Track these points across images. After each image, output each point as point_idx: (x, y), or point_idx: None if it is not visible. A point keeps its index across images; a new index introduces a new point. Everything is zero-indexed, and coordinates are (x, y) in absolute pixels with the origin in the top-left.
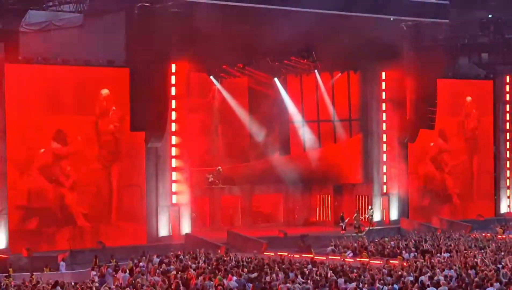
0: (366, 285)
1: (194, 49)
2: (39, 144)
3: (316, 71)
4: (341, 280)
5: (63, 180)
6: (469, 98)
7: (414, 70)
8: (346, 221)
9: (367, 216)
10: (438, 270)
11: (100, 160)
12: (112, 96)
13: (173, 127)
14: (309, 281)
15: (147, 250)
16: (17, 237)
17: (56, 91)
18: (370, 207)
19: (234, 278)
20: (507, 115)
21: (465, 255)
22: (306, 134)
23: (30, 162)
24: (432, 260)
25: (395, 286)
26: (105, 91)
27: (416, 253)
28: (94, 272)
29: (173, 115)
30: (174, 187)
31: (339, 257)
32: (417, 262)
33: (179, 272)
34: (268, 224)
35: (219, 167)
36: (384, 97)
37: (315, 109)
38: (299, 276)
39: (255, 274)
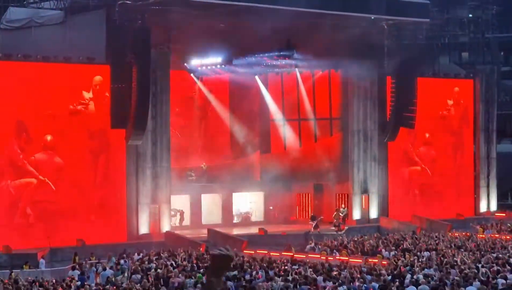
0: (345, 284)
1: (174, 46)
2: (17, 141)
3: (296, 69)
4: (320, 278)
5: (42, 176)
6: (456, 88)
7: (395, 69)
8: (317, 220)
9: (341, 215)
10: (418, 268)
11: (81, 158)
12: (92, 93)
13: (153, 124)
14: (288, 279)
15: (127, 247)
16: None
17: (35, 87)
18: (343, 206)
19: None
20: (487, 114)
21: (445, 254)
22: (287, 133)
23: (8, 158)
24: (412, 259)
25: (374, 284)
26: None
27: (396, 252)
28: (71, 272)
29: (153, 113)
30: (154, 185)
31: (318, 256)
32: (397, 261)
33: (159, 270)
34: (248, 222)
35: (204, 164)
36: (364, 95)
37: (296, 108)
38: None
39: (235, 272)
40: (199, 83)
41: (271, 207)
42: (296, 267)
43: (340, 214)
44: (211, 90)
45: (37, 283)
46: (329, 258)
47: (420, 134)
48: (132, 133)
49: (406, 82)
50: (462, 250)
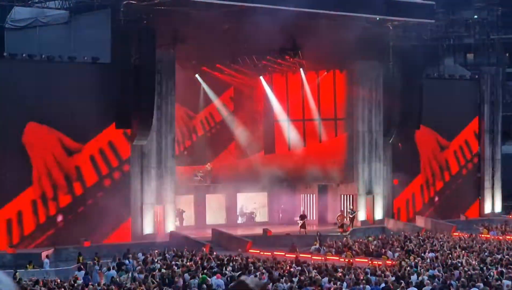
0: (350, 285)
1: (180, 47)
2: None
3: (301, 69)
4: (325, 280)
5: (47, 177)
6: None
7: (400, 70)
8: (304, 220)
9: (350, 216)
10: (422, 270)
11: (84, 158)
12: (97, 94)
13: (158, 125)
14: (293, 280)
15: (131, 248)
16: (1, 234)
17: (41, 87)
18: (351, 207)
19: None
20: (492, 115)
21: (449, 255)
22: (291, 133)
23: None
24: (417, 260)
25: (378, 286)
26: None
27: (400, 253)
28: (77, 272)
29: (158, 113)
30: (158, 185)
31: (323, 257)
32: (402, 262)
33: (163, 270)
34: (252, 223)
35: (208, 164)
36: (369, 96)
37: (301, 108)
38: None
39: (239, 273)
40: (203, 84)
41: (282, 205)
42: (300, 268)
43: (350, 215)
44: (216, 90)
45: (41, 283)
46: (333, 259)
47: (424, 135)
48: (137, 134)
49: (411, 83)
50: (467, 251)
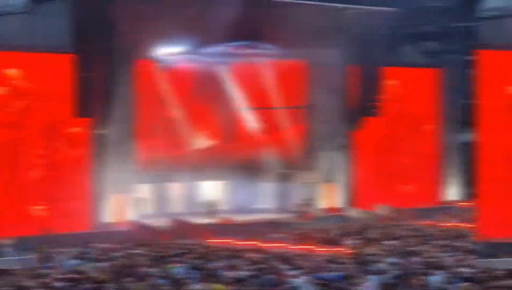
0: (310, 273)
1: (140, 35)
2: None
3: (262, 58)
4: (285, 268)
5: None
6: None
7: (359, 58)
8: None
9: (308, 204)
10: (382, 257)
11: (45, 147)
12: (54, 82)
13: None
14: (253, 268)
15: (91, 237)
16: None
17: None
18: (309, 195)
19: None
20: (452, 104)
21: (410, 242)
22: (252, 121)
23: None
24: (377, 248)
25: (339, 273)
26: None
27: (360, 241)
28: (38, 261)
29: (119, 102)
30: (119, 173)
31: (283, 245)
32: (362, 250)
33: (125, 259)
34: (212, 212)
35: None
36: (330, 85)
37: (262, 97)
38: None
39: (199, 261)
40: (162, 74)
41: (235, 196)
42: (260, 256)
43: (308, 203)
44: (177, 79)
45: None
46: (294, 247)
47: (384, 122)
48: (98, 122)
49: (370, 71)
50: (427, 238)
